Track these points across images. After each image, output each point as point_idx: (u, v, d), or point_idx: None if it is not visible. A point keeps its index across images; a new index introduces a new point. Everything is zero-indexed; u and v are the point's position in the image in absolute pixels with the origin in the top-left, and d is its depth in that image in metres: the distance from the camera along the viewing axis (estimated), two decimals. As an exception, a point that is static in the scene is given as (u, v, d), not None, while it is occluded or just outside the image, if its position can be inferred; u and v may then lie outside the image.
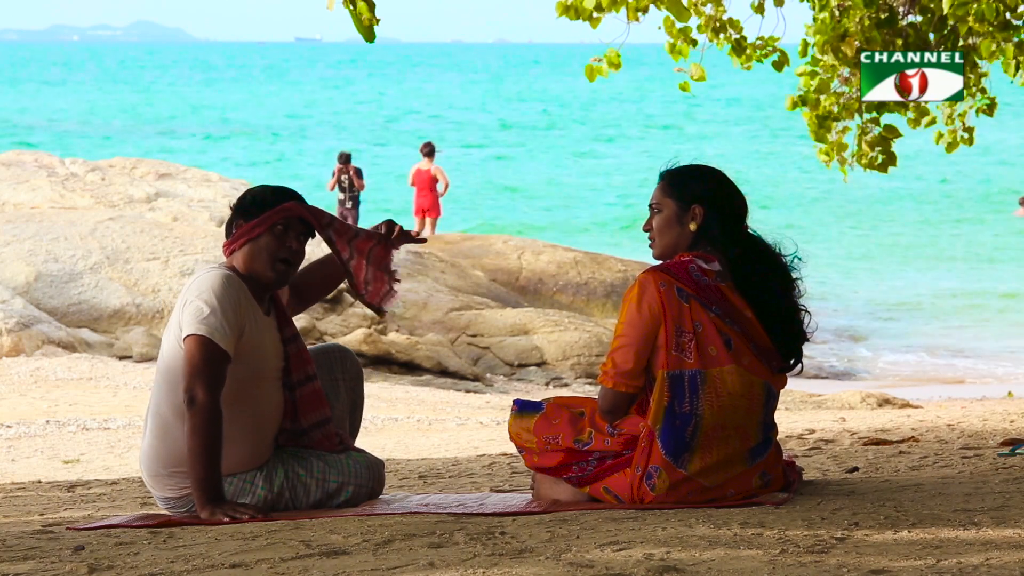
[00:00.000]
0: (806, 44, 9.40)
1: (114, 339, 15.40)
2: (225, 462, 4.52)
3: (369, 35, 6.33)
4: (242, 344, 4.55)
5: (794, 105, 9.67)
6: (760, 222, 4.63)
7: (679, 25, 9.00)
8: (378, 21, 6.27)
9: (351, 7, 6.23)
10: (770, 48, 9.27)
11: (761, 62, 9.36)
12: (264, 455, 4.68)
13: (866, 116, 9.71)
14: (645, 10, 8.78)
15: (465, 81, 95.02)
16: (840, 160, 9.81)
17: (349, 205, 21.29)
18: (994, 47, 9.20)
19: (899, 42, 9.13)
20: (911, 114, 9.70)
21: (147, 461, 4.64)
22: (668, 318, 4.38)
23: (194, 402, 4.43)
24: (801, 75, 9.58)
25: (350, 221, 20.83)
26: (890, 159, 9.79)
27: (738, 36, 9.19)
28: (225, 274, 4.56)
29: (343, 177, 21.34)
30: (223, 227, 4.79)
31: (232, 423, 4.54)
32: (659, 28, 9.04)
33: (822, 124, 9.64)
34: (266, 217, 4.62)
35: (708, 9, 9.09)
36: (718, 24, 9.10)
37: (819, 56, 9.32)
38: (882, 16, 9.05)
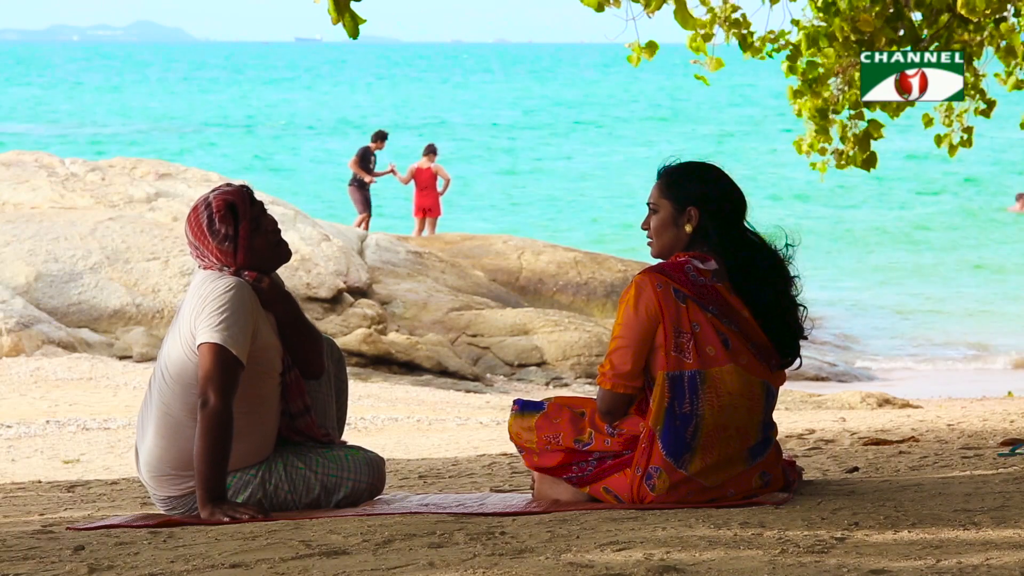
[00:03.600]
0: (808, 33, 9.40)
1: (114, 339, 15.40)
2: (232, 457, 4.55)
3: (354, 32, 6.46)
4: (255, 346, 4.61)
5: (796, 95, 9.69)
6: (761, 218, 4.63)
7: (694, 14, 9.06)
8: (363, 20, 6.38)
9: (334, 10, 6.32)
10: (782, 42, 9.33)
11: (771, 56, 9.40)
12: (267, 450, 4.71)
13: (850, 112, 9.73)
14: (658, 5, 8.82)
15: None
16: (820, 152, 9.82)
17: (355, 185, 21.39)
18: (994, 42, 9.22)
19: (891, 34, 9.12)
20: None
21: (153, 461, 4.66)
22: (666, 319, 4.38)
23: (206, 406, 4.50)
24: (795, 61, 9.57)
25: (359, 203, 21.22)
26: (871, 159, 9.79)
27: (745, 32, 9.25)
28: (238, 281, 4.63)
29: (372, 157, 21.42)
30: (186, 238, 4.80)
31: (242, 419, 4.59)
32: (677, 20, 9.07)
33: (823, 116, 9.66)
34: (242, 229, 4.67)
35: (716, 2, 9.14)
36: (731, 20, 9.15)
37: (825, 45, 9.31)
38: (888, 12, 9.05)
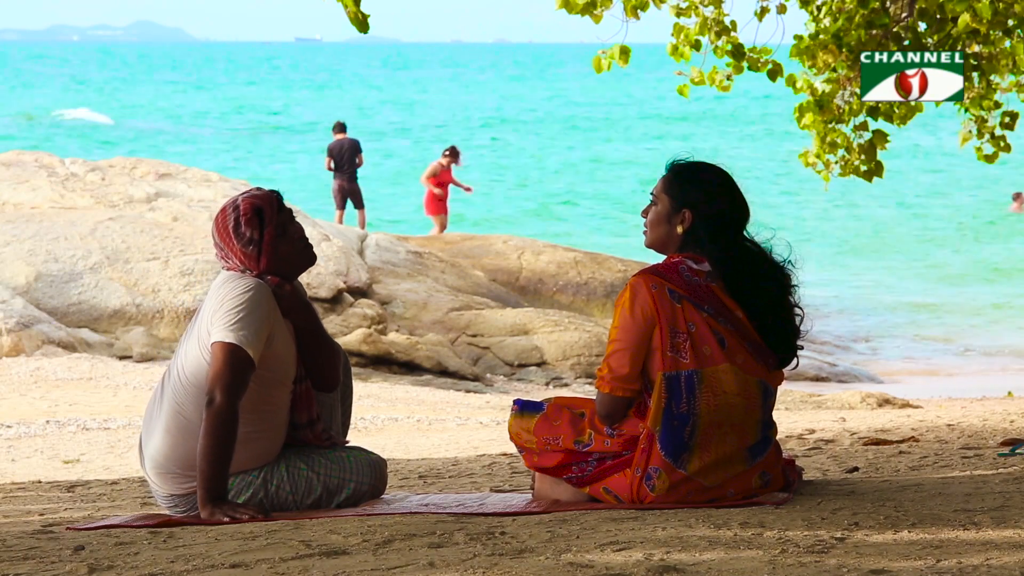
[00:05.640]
0: (800, 39, 9.39)
1: (114, 339, 15.40)
2: (236, 460, 4.55)
3: (362, 27, 6.44)
4: (270, 352, 4.60)
5: (802, 112, 9.64)
6: (764, 214, 4.63)
7: (684, 24, 9.04)
8: (366, 16, 6.38)
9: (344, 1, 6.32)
10: (764, 60, 9.26)
11: (752, 71, 9.35)
12: (271, 456, 4.71)
13: (855, 121, 9.70)
14: (644, 7, 8.82)
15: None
16: (825, 164, 9.80)
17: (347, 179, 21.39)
18: (999, 52, 9.23)
19: (893, 46, 9.13)
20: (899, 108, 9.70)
21: (160, 459, 4.66)
22: (662, 320, 4.38)
23: (212, 404, 4.49)
24: (796, 84, 9.57)
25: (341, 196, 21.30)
26: (876, 168, 9.77)
27: (734, 45, 9.19)
28: (257, 282, 4.62)
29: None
30: (213, 239, 4.80)
31: (250, 425, 4.59)
32: (671, 34, 9.08)
33: (830, 127, 9.63)
34: (267, 234, 4.67)
35: (709, 11, 9.11)
36: (719, 28, 9.11)
37: (820, 63, 9.32)
38: (874, 17, 9.04)
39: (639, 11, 8.80)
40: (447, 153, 21.53)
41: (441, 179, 21.31)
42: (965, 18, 8.46)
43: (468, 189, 22.43)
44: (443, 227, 21.48)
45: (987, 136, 10.10)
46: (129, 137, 51.07)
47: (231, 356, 4.51)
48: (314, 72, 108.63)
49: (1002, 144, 10.13)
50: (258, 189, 4.80)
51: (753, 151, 47.71)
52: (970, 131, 10.16)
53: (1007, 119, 10.02)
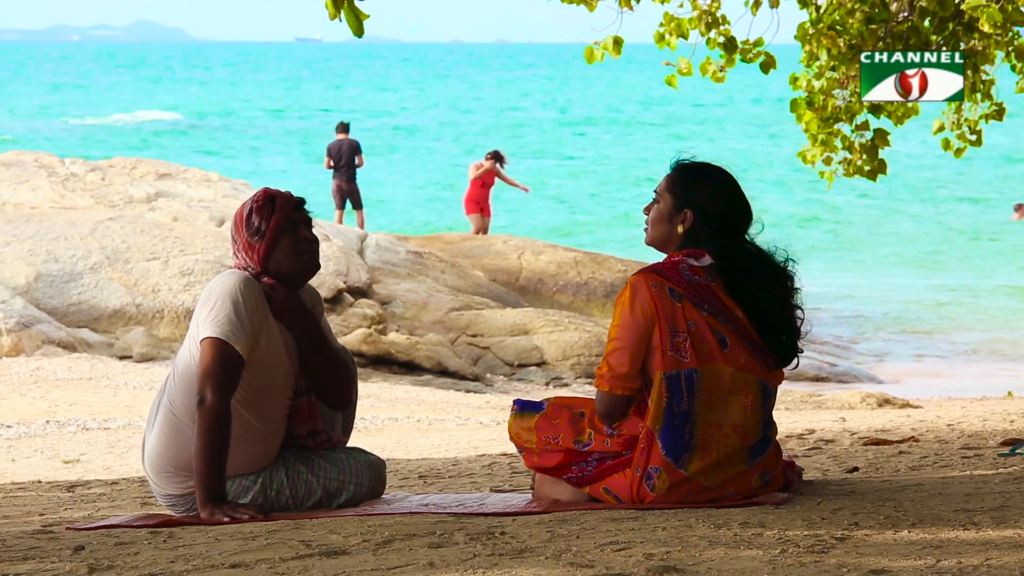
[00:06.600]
0: (804, 31, 9.38)
1: (114, 339, 15.39)
2: (230, 463, 4.53)
3: (358, 31, 6.46)
4: (258, 351, 4.57)
5: (795, 107, 9.65)
6: (766, 214, 4.62)
7: (673, 12, 9.06)
8: (367, 16, 6.39)
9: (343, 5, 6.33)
10: (757, 51, 9.27)
11: (744, 63, 9.37)
12: (268, 459, 4.69)
13: (857, 120, 9.69)
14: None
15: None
16: (825, 162, 9.79)
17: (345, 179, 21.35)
18: (1002, 52, 9.23)
19: (894, 44, 9.13)
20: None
21: (155, 457, 4.65)
22: (662, 318, 4.38)
23: (203, 403, 4.47)
24: (797, 80, 9.57)
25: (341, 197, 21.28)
26: (880, 167, 9.76)
27: (726, 38, 9.20)
28: (245, 277, 4.59)
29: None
30: (229, 233, 4.80)
31: (241, 427, 4.56)
32: (660, 23, 9.09)
33: (825, 125, 9.63)
34: (273, 222, 4.66)
35: (702, 2, 9.12)
36: (710, 19, 9.12)
37: (815, 53, 9.31)
38: (874, 12, 9.04)
39: (633, 1, 8.81)
40: (489, 156, 21.49)
41: (485, 179, 21.28)
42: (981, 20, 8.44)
43: (525, 189, 22.63)
44: (485, 229, 21.47)
45: (963, 128, 10.06)
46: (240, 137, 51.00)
47: (220, 352, 4.49)
48: (336, 71, 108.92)
49: (976, 137, 10.08)
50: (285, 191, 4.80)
51: (775, 152, 47.72)
52: (943, 124, 10.14)
53: (994, 111, 9.99)
